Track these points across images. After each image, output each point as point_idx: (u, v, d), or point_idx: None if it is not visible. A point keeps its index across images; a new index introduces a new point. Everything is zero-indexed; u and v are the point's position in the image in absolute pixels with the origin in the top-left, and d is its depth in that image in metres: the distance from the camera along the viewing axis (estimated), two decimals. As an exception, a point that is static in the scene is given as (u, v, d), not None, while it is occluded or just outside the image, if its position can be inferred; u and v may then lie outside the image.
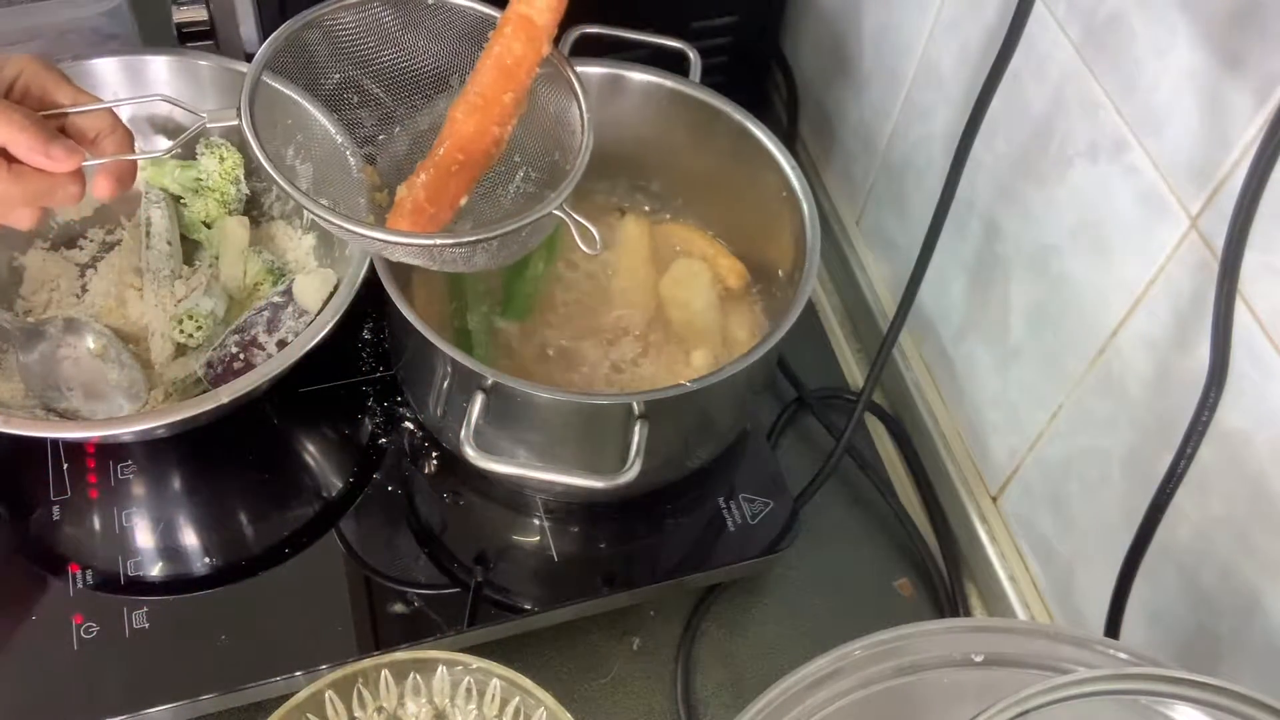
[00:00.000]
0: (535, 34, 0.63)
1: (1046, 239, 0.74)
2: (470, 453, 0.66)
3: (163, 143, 0.87)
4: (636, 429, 0.67)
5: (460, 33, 0.69)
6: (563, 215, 0.64)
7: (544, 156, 0.71)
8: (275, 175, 0.61)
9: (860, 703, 0.52)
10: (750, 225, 0.84)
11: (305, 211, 0.64)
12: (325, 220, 0.62)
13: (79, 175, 0.59)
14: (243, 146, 0.86)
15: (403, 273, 0.73)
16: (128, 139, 0.61)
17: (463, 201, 0.67)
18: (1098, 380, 0.71)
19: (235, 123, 0.62)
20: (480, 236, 0.63)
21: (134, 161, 0.61)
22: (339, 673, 0.63)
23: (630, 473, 0.66)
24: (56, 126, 0.59)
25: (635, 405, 0.67)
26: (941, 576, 0.86)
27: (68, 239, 0.86)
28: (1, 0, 0.89)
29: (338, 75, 0.69)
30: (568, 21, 0.69)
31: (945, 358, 0.89)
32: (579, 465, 0.68)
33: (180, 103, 0.64)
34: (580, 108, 0.68)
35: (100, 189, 0.61)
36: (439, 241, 0.63)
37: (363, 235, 0.62)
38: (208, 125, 0.63)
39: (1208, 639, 0.65)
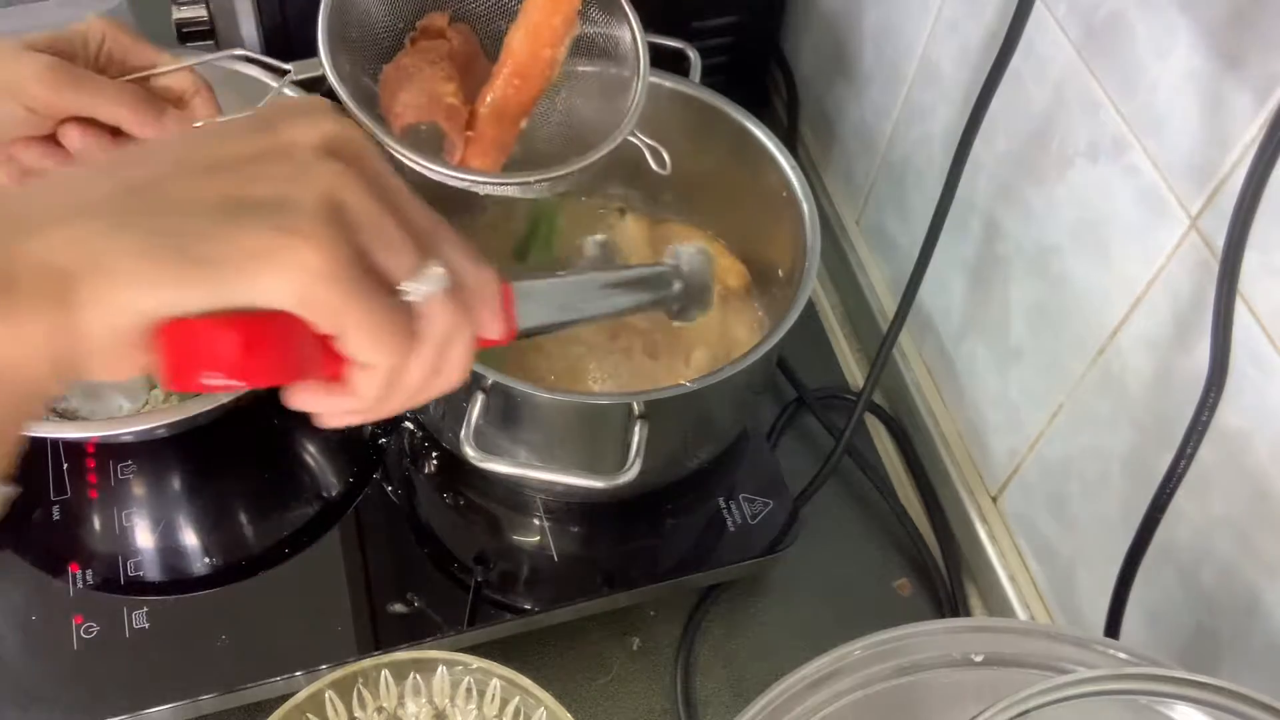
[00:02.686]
0: None
1: (1046, 239, 0.74)
2: (470, 453, 0.66)
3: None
4: (636, 429, 0.67)
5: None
6: (635, 140, 0.68)
7: (588, 78, 0.72)
8: (365, 121, 0.62)
9: (860, 703, 0.52)
10: (750, 225, 0.84)
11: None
12: (422, 166, 0.63)
13: None
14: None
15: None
16: (213, 98, 0.61)
17: (523, 124, 0.69)
18: (1098, 380, 0.71)
19: (320, 73, 0.62)
20: (567, 170, 0.65)
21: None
22: (339, 673, 0.63)
23: (630, 473, 0.66)
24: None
25: (635, 405, 0.67)
26: (941, 576, 0.86)
27: (68, 239, 0.86)
28: (1, 0, 0.89)
29: (382, 27, 0.69)
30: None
31: (945, 358, 0.89)
32: (579, 465, 0.68)
33: (262, 59, 0.64)
34: (632, 27, 0.69)
35: None
36: (534, 179, 0.65)
37: (462, 179, 0.64)
38: (294, 78, 0.63)
39: (1208, 639, 0.65)
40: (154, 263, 0.31)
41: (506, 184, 0.65)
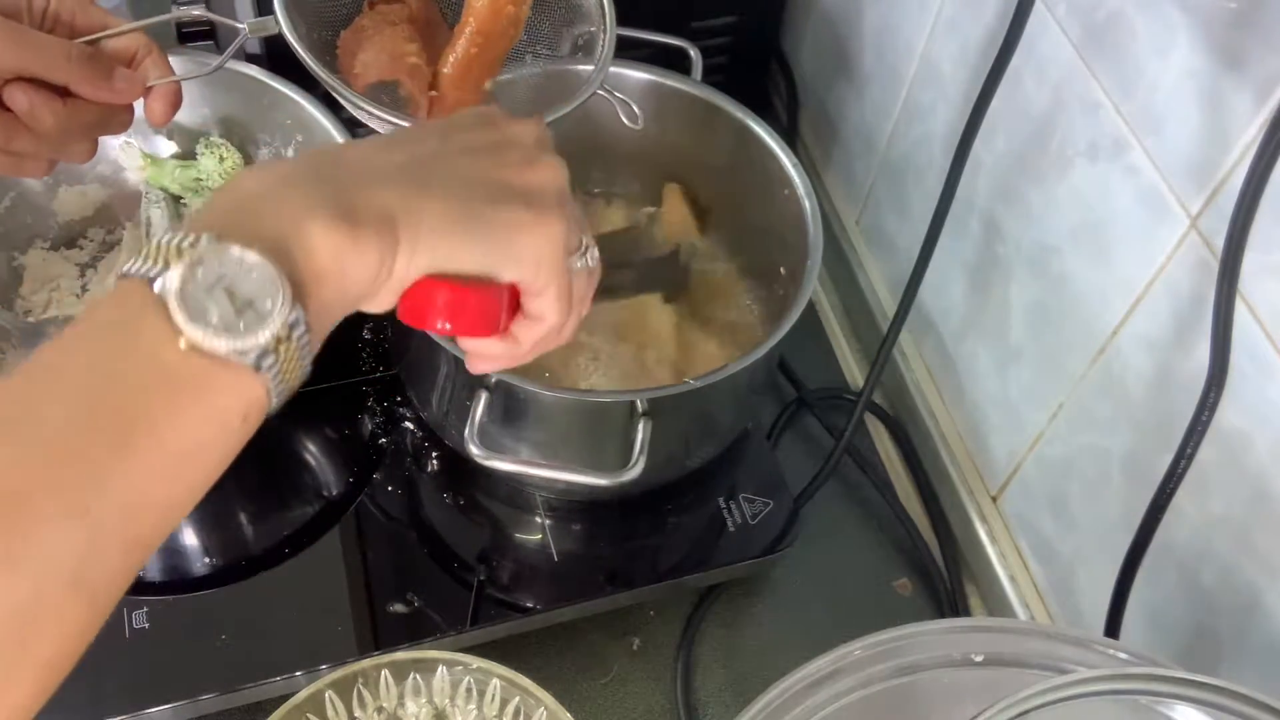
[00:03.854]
0: None
1: (1046, 239, 0.74)
2: (475, 451, 0.66)
3: (164, 144, 0.87)
4: (640, 426, 0.67)
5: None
6: (605, 94, 0.69)
7: (553, 33, 0.72)
8: (321, 74, 0.62)
9: (860, 703, 0.52)
10: (752, 223, 0.84)
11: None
12: (376, 117, 0.63)
13: (131, 103, 0.60)
14: (243, 146, 0.86)
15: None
16: (165, 59, 0.61)
17: (488, 85, 0.69)
18: (1098, 380, 0.71)
19: (275, 31, 0.61)
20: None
21: (179, 84, 0.61)
22: (339, 673, 0.63)
23: (634, 470, 0.66)
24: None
25: (638, 403, 0.67)
26: (941, 576, 0.86)
27: (68, 239, 0.86)
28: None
29: None
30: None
31: (945, 358, 0.89)
32: (582, 463, 0.69)
33: (219, 18, 0.64)
34: None
35: (156, 115, 0.61)
36: None
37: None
38: (249, 35, 0.62)
39: (1208, 639, 0.65)
40: (452, 218, 0.41)
41: None
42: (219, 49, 0.85)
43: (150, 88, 0.59)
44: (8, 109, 0.55)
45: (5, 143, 0.56)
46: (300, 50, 0.61)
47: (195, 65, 0.67)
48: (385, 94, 0.67)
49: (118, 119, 0.59)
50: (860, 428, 0.90)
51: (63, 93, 0.56)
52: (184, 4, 0.83)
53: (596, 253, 0.47)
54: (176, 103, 0.61)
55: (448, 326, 0.42)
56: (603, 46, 0.68)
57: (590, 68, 0.68)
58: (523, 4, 0.67)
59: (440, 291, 0.42)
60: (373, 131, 0.66)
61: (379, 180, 0.41)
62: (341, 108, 0.74)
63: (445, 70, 0.67)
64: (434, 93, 0.68)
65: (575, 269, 0.45)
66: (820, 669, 0.52)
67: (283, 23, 0.61)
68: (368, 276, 0.39)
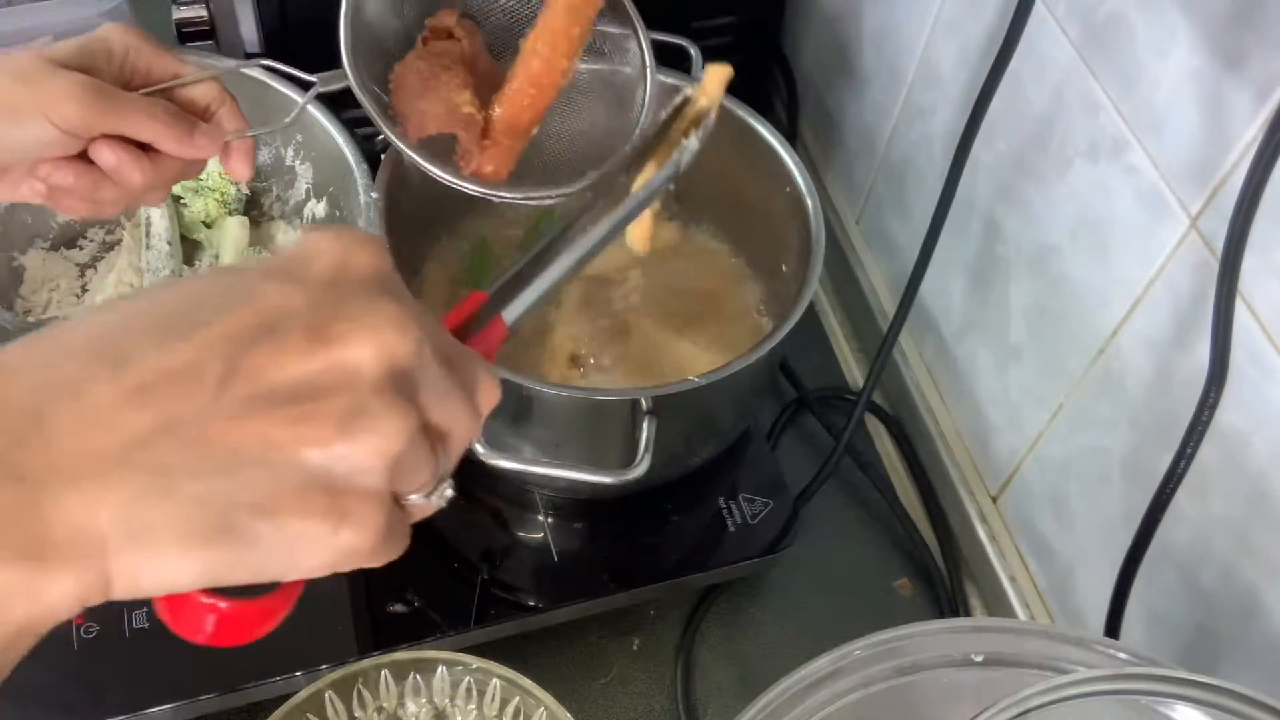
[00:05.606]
0: None
1: (1046, 239, 0.74)
2: (480, 450, 0.66)
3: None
4: (645, 424, 0.67)
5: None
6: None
7: (594, 85, 0.73)
8: (390, 135, 0.62)
9: (860, 703, 0.52)
10: (753, 221, 0.84)
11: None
12: (445, 179, 0.64)
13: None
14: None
15: (407, 270, 0.73)
16: (238, 109, 0.61)
17: (534, 131, 0.70)
18: (1098, 380, 0.71)
19: (346, 84, 0.61)
20: (584, 184, 0.66)
21: (255, 139, 0.61)
22: (339, 673, 0.63)
23: (640, 468, 0.66)
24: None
25: (643, 401, 0.67)
26: (941, 576, 0.86)
27: (68, 239, 0.86)
28: (1, 0, 0.88)
29: (392, 29, 0.68)
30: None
31: (945, 358, 0.89)
32: (586, 461, 0.69)
33: (286, 69, 0.64)
34: (638, 35, 0.69)
35: (239, 173, 0.61)
36: (553, 194, 0.66)
37: (483, 192, 0.64)
38: (320, 90, 0.62)
39: (1208, 639, 0.65)
40: (197, 543, 0.29)
41: (524, 199, 0.66)
42: (220, 50, 0.85)
43: (228, 143, 0.60)
44: (94, 164, 0.55)
45: (90, 193, 0.56)
46: (369, 107, 0.61)
47: (269, 116, 0.65)
48: (440, 140, 0.68)
49: (195, 167, 0.60)
50: (860, 428, 0.90)
51: (144, 147, 0.56)
52: (185, 3, 0.83)
53: (449, 491, 0.37)
54: (254, 157, 0.62)
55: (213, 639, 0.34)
56: (643, 102, 0.69)
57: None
58: (575, 57, 0.68)
59: (208, 611, 0.33)
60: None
61: (98, 471, 0.28)
62: (343, 109, 0.74)
63: (496, 121, 0.68)
64: (486, 141, 0.68)
65: (412, 505, 0.36)
66: (820, 669, 0.53)
67: (351, 78, 0.61)
68: (55, 607, 0.29)
